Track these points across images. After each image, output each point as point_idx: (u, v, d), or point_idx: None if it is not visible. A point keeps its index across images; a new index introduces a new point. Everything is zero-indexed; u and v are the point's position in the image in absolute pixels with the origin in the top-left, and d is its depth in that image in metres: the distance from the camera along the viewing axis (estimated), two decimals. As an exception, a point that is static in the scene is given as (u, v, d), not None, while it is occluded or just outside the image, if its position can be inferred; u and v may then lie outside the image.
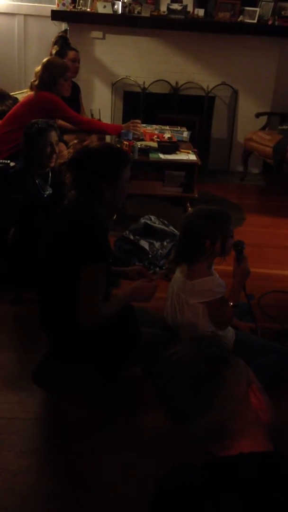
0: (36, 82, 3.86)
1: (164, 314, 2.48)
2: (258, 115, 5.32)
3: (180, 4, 5.09)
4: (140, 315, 2.35)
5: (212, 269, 2.33)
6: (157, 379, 1.11)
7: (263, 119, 5.36)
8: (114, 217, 3.92)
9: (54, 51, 4.56)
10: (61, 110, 3.86)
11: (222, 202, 4.57)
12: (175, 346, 1.13)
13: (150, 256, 3.44)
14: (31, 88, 3.95)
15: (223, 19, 5.17)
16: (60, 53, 4.47)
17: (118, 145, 4.09)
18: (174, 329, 2.40)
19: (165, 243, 3.55)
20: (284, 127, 5.08)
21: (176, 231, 3.57)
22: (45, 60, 3.96)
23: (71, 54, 4.56)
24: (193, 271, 2.29)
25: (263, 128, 5.32)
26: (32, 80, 3.95)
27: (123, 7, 5.07)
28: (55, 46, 4.57)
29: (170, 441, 1.96)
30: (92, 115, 4.51)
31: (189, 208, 4.11)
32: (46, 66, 3.86)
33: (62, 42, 4.60)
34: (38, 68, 3.89)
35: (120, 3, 5.04)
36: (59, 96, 3.90)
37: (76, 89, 4.68)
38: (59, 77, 3.86)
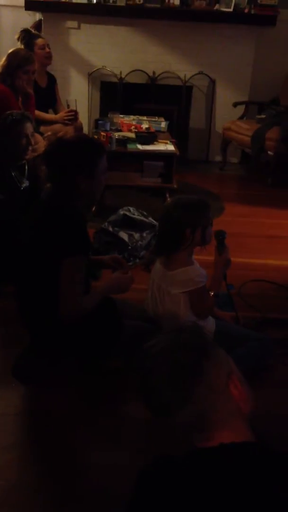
0: None
1: (145, 305, 2.47)
2: (235, 104, 5.32)
3: (155, -7, 5.05)
4: (121, 306, 2.34)
5: (192, 258, 2.32)
6: (137, 372, 1.10)
7: (241, 108, 5.36)
8: (93, 208, 3.88)
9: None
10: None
11: (201, 192, 4.56)
12: (155, 338, 1.12)
13: (129, 247, 3.42)
14: None
15: (199, 7, 5.15)
16: (28, 47, 4.18)
17: (96, 136, 4.05)
18: (155, 320, 2.39)
19: (144, 234, 3.53)
20: (262, 116, 5.09)
21: (155, 222, 3.55)
22: (11, 50, 3.74)
23: (38, 42, 4.32)
24: (173, 261, 2.28)
25: (241, 117, 5.32)
26: None
27: (98, -4, 5.01)
28: (19, 44, 4.22)
29: (152, 432, 1.96)
30: (68, 105, 4.44)
31: (168, 199, 4.10)
32: (8, 55, 3.66)
33: (25, 35, 4.28)
34: (4, 57, 3.69)
35: (95, -8, 4.97)
36: (22, 90, 3.65)
37: (52, 80, 4.61)
38: (17, 68, 3.61)
